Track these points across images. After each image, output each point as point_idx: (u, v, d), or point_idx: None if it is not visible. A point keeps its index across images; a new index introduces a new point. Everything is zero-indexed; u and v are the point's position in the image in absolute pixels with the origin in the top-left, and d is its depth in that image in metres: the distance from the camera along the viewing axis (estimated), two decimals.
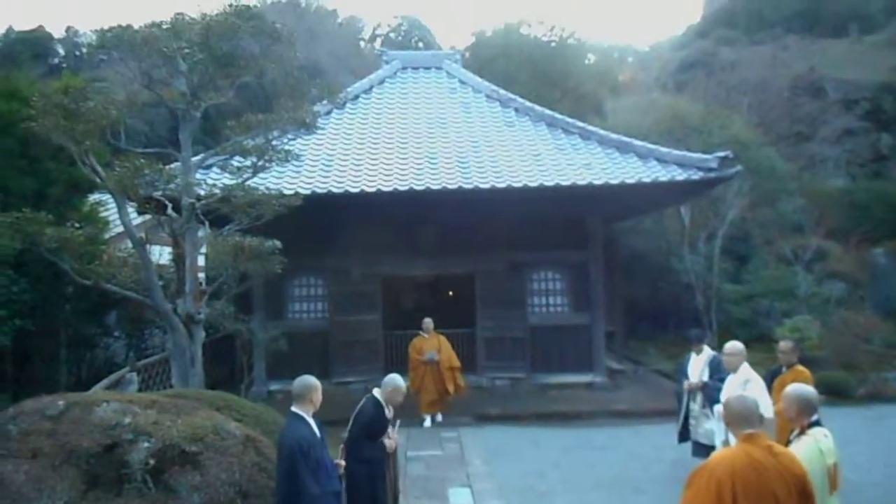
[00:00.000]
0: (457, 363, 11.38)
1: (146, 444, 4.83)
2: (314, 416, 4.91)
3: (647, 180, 12.00)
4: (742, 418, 3.83)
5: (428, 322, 11.48)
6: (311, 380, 4.97)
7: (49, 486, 4.20)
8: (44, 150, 11.05)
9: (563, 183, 11.83)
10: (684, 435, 8.17)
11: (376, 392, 6.02)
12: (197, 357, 8.65)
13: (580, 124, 14.41)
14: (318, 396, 4.94)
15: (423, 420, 11.12)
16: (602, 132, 14.09)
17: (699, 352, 8.15)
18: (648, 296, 18.39)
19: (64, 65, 31.20)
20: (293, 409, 4.86)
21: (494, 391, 12.99)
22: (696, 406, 7.87)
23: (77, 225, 10.22)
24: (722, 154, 12.39)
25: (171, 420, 5.21)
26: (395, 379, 6.07)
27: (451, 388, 11.24)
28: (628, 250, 17.82)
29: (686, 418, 8.08)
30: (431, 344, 11.32)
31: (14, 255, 9.94)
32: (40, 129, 8.14)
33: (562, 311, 13.68)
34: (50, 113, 8.09)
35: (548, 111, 14.96)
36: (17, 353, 11.18)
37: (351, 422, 5.82)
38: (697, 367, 8.02)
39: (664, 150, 13.10)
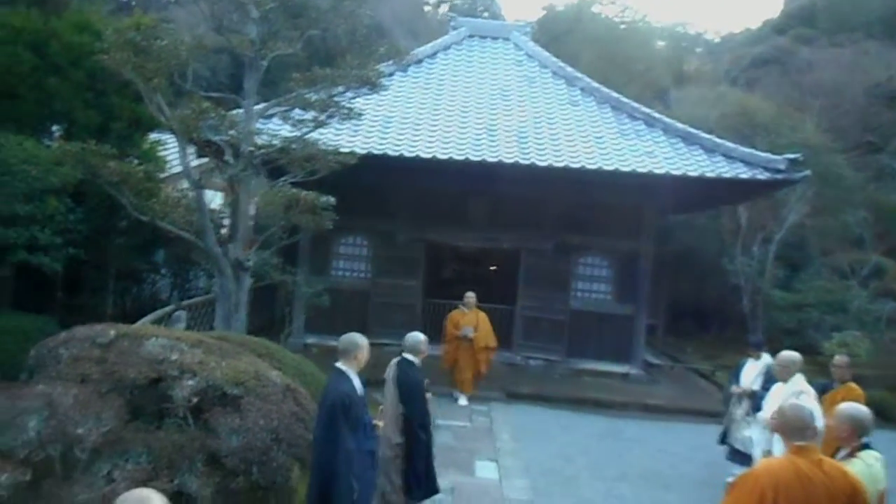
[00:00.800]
0: (493, 343, 10.87)
1: (190, 382, 4.89)
2: (358, 374, 4.92)
3: (710, 175, 11.65)
4: (796, 428, 3.67)
5: (470, 296, 10.95)
6: (359, 337, 4.98)
7: (95, 412, 4.29)
8: (110, 85, 11.21)
9: (623, 168, 11.55)
10: (725, 437, 7.99)
11: (408, 356, 6.01)
12: (242, 302, 8.77)
13: (646, 110, 14.03)
14: (363, 355, 4.94)
15: (457, 397, 10.78)
16: (668, 120, 13.69)
17: (756, 358, 7.93)
18: (694, 293, 18.00)
19: (133, 3, 31.62)
20: (338, 364, 4.87)
21: (528, 370, 12.92)
22: (739, 411, 7.68)
23: (137, 161, 10.39)
24: (791, 156, 11.95)
25: (216, 361, 5.27)
26: (418, 336, 6.13)
27: (483, 369, 10.83)
28: (679, 245, 17.41)
29: (729, 421, 7.91)
30: (469, 319, 10.79)
31: (74, 185, 10.18)
32: (110, 64, 8.20)
33: (605, 298, 13.49)
34: (122, 48, 8.15)
35: (614, 94, 14.58)
36: (67, 281, 11.51)
37: (398, 390, 5.79)
38: (751, 373, 7.81)
39: (731, 145, 12.67)
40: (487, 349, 10.80)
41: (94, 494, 3.86)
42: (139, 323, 8.65)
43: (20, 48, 10.66)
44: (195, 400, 4.89)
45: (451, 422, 9.72)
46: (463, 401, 10.74)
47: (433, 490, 5.96)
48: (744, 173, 11.85)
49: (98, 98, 11.30)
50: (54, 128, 11.75)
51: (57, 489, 3.94)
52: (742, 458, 7.42)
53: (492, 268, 17.38)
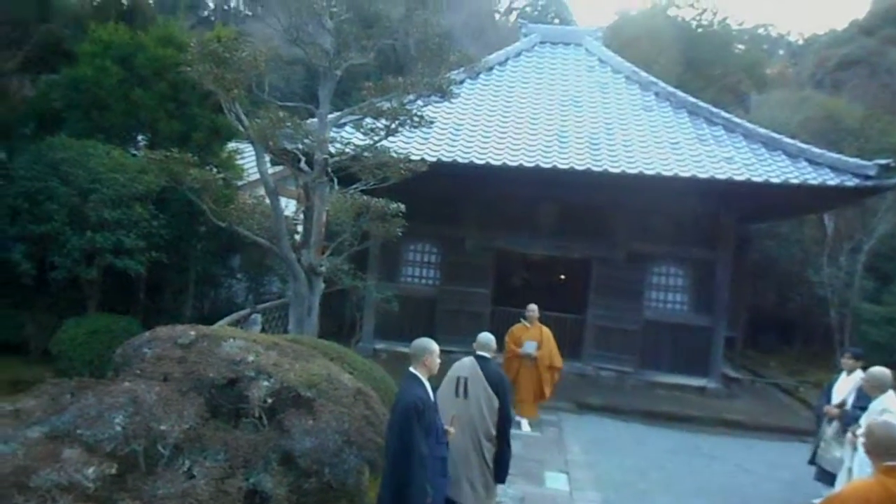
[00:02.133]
0: (558, 362, 9.83)
1: (266, 383, 4.97)
2: (429, 380, 4.90)
3: (794, 181, 11.14)
4: (885, 448, 3.44)
5: (533, 309, 9.93)
6: (429, 343, 4.96)
7: (177, 410, 4.39)
8: (191, 96, 11.69)
9: (701, 175, 11.19)
10: (815, 457, 7.58)
11: (483, 353, 6.14)
12: (314, 307, 8.91)
13: (725, 115, 13.57)
14: (431, 360, 4.91)
15: (518, 422, 9.52)
16: (749, 125, 13.20)
17: (851, 371, 7.49)
18: (776, 305, 17.27)
19: (212, 18, 32.95)
20: (410, 369, 4.87)
21: (599, 381, 12.64)
22: (830, 430, 7.27)
23: (216, 169, 10.76)
24: (882, 161, 11.30)
25: (290, 364, 5.34)
26: (489, 335, 6.28)
27: (547, 391, 9.75)
28: (760, 254, 16.74)
29: (820, 440, 7.50)
30: (532, 335, 9.77)
31: (157, 192, 10.62)
32: (193, 75, 8.50)
33: (680, 308, 13.08)
34: (203, 60, 8.44)
35: (690, 98, 14.19)
36: (150, 283, 12.02)
37: (489, 385, 5.91)
38: (845, 388, 7.39)
39: (816, 150, 12.09)
40: (552, 369, 9.76)
41: (175, 489, 3.95)
42: (217, 325, 8.91)
43: (108, 61, 11.24)
44: (270, 401, 4.96)
45: (519, 431, 9.59)
46: (525, 426, 9.72)
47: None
48: (831, 180, 11.30)
49: (180, 109, 11.78)
50: (139, 137, 12.31)
51: (140, 483, 4.05)
52: (831, 478, 7.02)
53: (561, 276, 17.14)
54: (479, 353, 6.17)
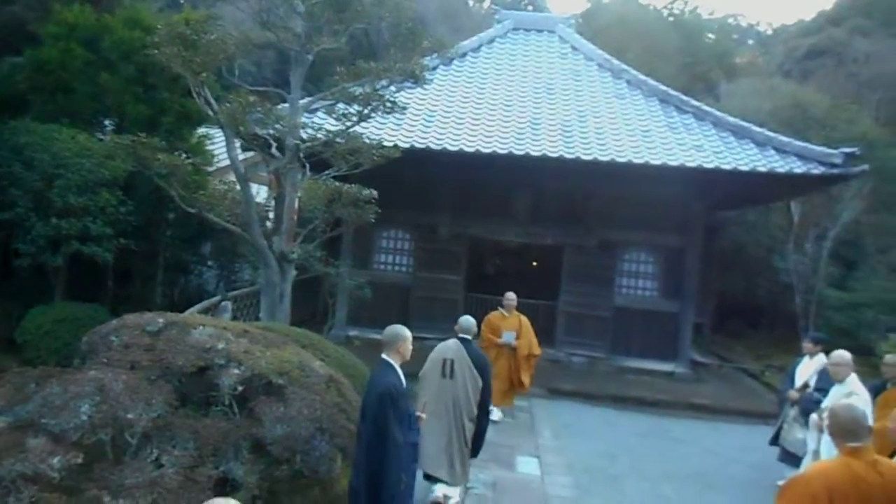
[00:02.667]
0: (537, 350, 9.54)
1: (236, 371, 4.93)
2: (401, 366, 4.90)
3: (762, 169, 11.31)
4: (848, 430, 3.53)
5: (511, 298, 9.62)
6: (402, 330, 4.96)
7: (144, 398, 4.35)
8: (159, 80, 11.46)
9: (671, 163, 11.31)
10: (776, 439, 7.76)
11: (465, 336, 6.55)
12: (286, 294, 8.85)
13: (695, 103, 13.71)
14: (405, 347, 4.92)
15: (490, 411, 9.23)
16: (718, 114, 13.35)
17: (812, 355, 7.66)
18: (743, 291, 17.56)
19: (182, 1, 32.29)
20: (383, 356, 4.86)
21: (570, 367, 12.79)
22: (793, 413, 7.44)
23: (185, 155, 10.59)
24: (848, 150, 11.52)
25: (261, 351, 5.31)
26: (471, 319, 6.71)
27: (526, 381, 9.43)
28: (727, 241, 17.01)
29: (782, 422, 7.67)
30: (511, 324, 9.46)
31: (125, 178, 10.43)
32: (161, 58, 8.33)
33: (650, 295, 13.26)
34: (171, 42, 8.28)
35: (661, 86, 14.29)
36: (118, 271, 11.81)
37: (475, 371, 6.32)
38: (806, 371, 7.57)
39: (784, 139, 12.28)
40: (531, 357, 9.47)
41: (143, 478, 3.92)
42: (187, 312, 8.80)
43: (74, 44, 10.96)
44: (240, 388, 4.93)
45: (491, 416, 9.65)
46: (496, 415, 9.10)
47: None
48: (797, 168, 11.49)
49: (148, 93, 11.54)
50: (106, 122, 12.05)
51: (107, 472, 4.01)
52: (794, 460, 7.20)
53: (533, 263, 17.24)
54: (462, 335, 6.55)
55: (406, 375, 4.99)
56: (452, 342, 6.53)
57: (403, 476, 4.61)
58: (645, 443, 9.24)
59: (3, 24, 10.86)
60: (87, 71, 11.07)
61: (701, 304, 14.45)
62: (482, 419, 6.42)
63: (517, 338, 9.37)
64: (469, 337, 6.58)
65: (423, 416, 5.23)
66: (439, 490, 6.27)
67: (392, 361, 4.82)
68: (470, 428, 6.29)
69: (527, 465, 7.94)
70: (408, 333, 4.96)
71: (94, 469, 4.06)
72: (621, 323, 13.07)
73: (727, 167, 11.35)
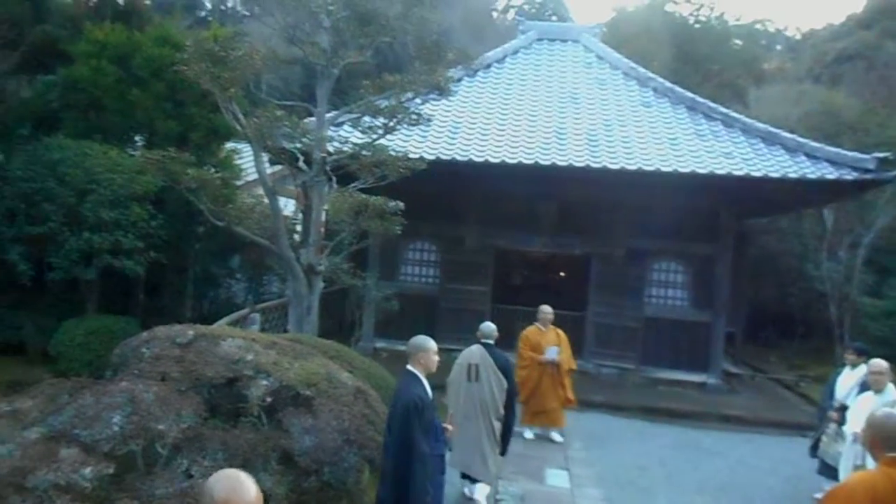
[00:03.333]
0: (574, 364, 9.31)
1: (264, 382, 4.96)
2: (427, 378, 4.86)
3: (793, 176, 11.11)
4: (889, 438, 3.40)
5: (547, 311, 9.20)
6: (425, 341, 4.89)
7: (175, 409, 4.38)
8: (189, 96, 11.67)
9: (700, 171, 11.18)
10: (815, 450, 7.56)
11: (488, 341, 6.92)
12: (313, 306, 8.90)
13: (723, 110, 13.53)
14: (427, 358, 4.81)
15: (522, 431, 8.93)
16: (747, 120, 13.17)
17: (854, 366, 7.45)
18: (775, 300, 17.22)
19: (210, 18, 32.92)
20: (408, 367, 4.82)
21: (600, 378, 12.62)
22: (833, 425, 7.24)
23: (214, 169, 10.73)
24: (881, 155, 11.27)
25: (289, 362, 5.33)
26: (492, 325, 7.10)
27: (571, 395, 9.18)
28: (759, 249, 16.71)
29: (821, 434, 7.47)
30: (550, 339, 9.04)
31: (155, 192, 10.60)
32: (189, 74, 8.48)
33: (681, 305, 13.05)
34: (200, 59, 8.42)
35: (688, 94, 14.15)
36: (148, 284, 12.01)
37: (500, 374, 6.71)
38: (848, 383, 7.34)
39: (815, 144, 12.07)
40: (570, 373, 9.27)
41: (174, 489, 3.94)
42: (217, 324, 8.89)
43: (105, 61, 11.21)
44: (269, 400, 4.95)
45: (520, 428, 9.56)
46: (558, 437, 9.15)
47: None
48: (829, 174, 11.27)
49: (177, 109, 11.75)
50: (137, 138, 12.28)
51: (139, 483, 4.04)
52: (834, 473, 6.99)
53: (560, 274, 17.11)
54: (484, 340, 6.95)
55: (434, 387, 4.96)
56: (476, 347, 6.93)
57: (430, 487, 4.56)
58: (677, 455, 9.07)
59: (36, 44, 11.14)
60: (118, 88, 11.31)
61: (732, 314, 14.21)
62: (509, 418, 6.82)
63: (559, 353, 9.05)
64: (491, 342, 6.93)
65: (451, 427, 5.20)
66: (477, 494, 6.75)
67: (417, 372, 4.77)
68: (498, 427, 6.70)
69: (556, 478, 7.83)
70: (431, 345, 4.87)
71: (126, 479, 4.09)
72: (651, 333, 12.89)
73: (757, 174, 11.17)
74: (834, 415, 7.24)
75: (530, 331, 9.26)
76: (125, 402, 4.36)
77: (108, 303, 11.10)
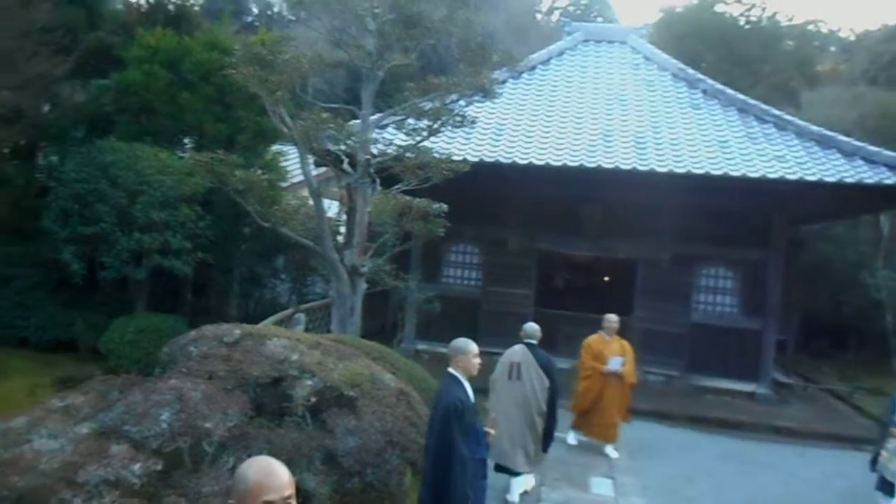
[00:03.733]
0: (634, 378, 8.91)
1: (309, 383, 4.97)
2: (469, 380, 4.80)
3: (850, 180, 10.72)
4: None
5: (612, 320, 8.80)
6: (465, 344, 4.80)
7: (221, 407, 4.42)
8: (237, 99, 11.85)
9: (751, 174, 10.86)
10: (874, 464, 7.25)
11: (532, 341, 7.03)
12: (356, 307, 8.93)
13: (776, 112, 13.13)
14: (466, 361, 4.73)
15: (566, 436, 8.90)
16: (801, 123, 12.76)
17: None
18: (829, 309, 16.63)
19: (256, 23, 33.49)
20: (449, 369, 4.77)
21: (646, 386, 12.28)
22: (893, 441, 6.93)
23: (260, 171, 10.87)
24: None
25: (333, 363, 5.33)
26: (535, 325, 7.19)
27: (628, 410, 8.91)
28: (812, 256, 16.19)
29: (880, 449, 7.16)
30: (614, 349, 8.66)
31: (203, 193, 10.79)
32: (238, 77, 8.61)
33: (730, 311, 12.70)
34: (248, 62, 8.56)
35: (740, 95, 13.78)
36: (196, 284, 12.22)
37: (541, 367, 6.88)
38: None
39: (872, 148, 11.62)
40: (631, 386, 8.87)
41: (220, 487, 3.96)
42: (263, 323, 8.98)
43: (156, 66, 11.46)
44: (313, 400, 4.95)
45: (562, 434, 9.43)
46: (613, 452, 8.70)
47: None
48: (888, 178, 10.85)
49: (226, 111, 11.95)
50: (186, 140, 12.53)
51: (185, 480, 4.07)
52: (891, 489, 6.71)
53: (605, 278, 16.86)
54: (527, 340, 7.06)
55: (476, 390, 4.89)
56: (519, 347, 7.07)
57: (469, 491, 4.49)
58: (725, 466, 8.82)
59: (90, 49, 11.43)
60: (168, 91, 11.55)
61: (784, 322, 13.79)
62: (551, 416, 6.97)
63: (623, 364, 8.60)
64: (534, 342, 7.06)
65: (492, 431, 5.12)
66: (516, 487, 6.89)
67: (458, 375, 4.71)
68: (540, 423, 6.86)
69: (600, 486, 7.68)
70: (471, 347, 4.79)
71: (173, 476, 4.13)
72: (698, 340, 12.57)
73: (812, 178, 10.81)
74: (895, 430, 6.94)
75: (593, 339, 8.87)
76: (173, 399, 4.41)
77: (156, 302, 11.33)
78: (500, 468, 6.74)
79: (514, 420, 6.73)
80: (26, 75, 10.00)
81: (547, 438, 7.02)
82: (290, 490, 2.16)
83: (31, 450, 3.84)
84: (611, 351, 8.63)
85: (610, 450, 8.71)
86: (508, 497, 6.87)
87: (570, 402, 8.92)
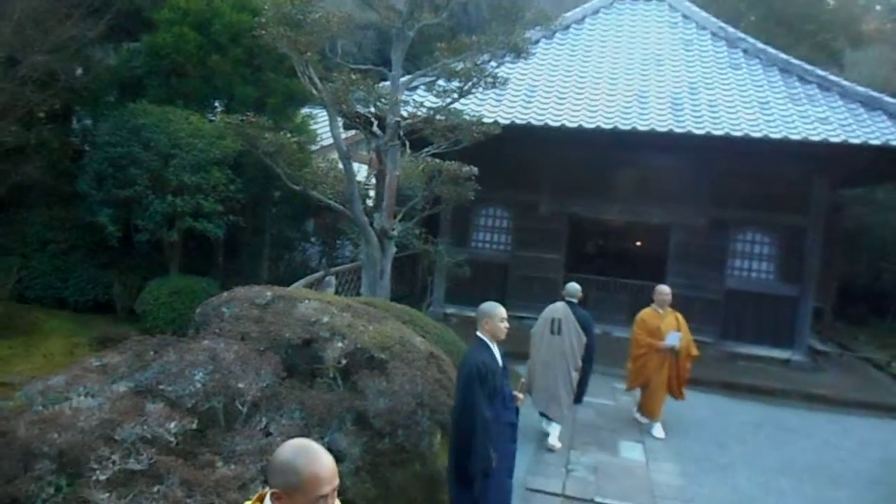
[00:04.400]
0: (695, 351, 8.48)
1: (340, 344, 4.98)
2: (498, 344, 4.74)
3: None
4: None
5: (664, 292, 8.31)
6: (492, 308, 4.70)
7: (254, 368, 4.45)
8: (266, 61, 11.78)
9: (793, 137, 10.51)
10: None
11: (572, 300, 7.51)
12: (386, 270, 8.93)
13: (820, 72, 12.63)
14: (492, 324, 4.64)
15: (651, 426, 8.27)
16: (846, 83, 12.26)
17: None
18: (868, 276, 16.27)
19: None
20: (477, 333, 4.72)
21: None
22: None
23: (290, 133, 10.83)
24: None
25: (364, 326, 5.34)
26: (577, 285, 7.68)
27: (683, 389, 8.48)
28: (852, 221, 15.75)
29: None
30: (670, 323, 8.14)
31: (234, 157, 10.81)
32: (268, 38, 8.52)
33: (766, 277, 12.44)
34: (277, 23, 8.44)
35: (782, 55, 13.28)
36: (227, 246, 12.33)
37: (584, 335, 7.40)
38: None
39: None
40: (688, 358, 8.38)
41: (254, 445, 4.01)
42: (293, 286, 9.04)
43: (186, 28, 11.40)
44: (344, 361, 4.97)
45: (593, 399, 9.40)
46: (659, 432, 8.18)
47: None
48: None
49: (255, 74, 11.88)
50: (216, 103, 12.52)
51: (220, 438, 4.13)
52: None
53: (637, 243, 16.65)
54: (568, 298, 7.54)
55: (505, 354, 4.84)
56: (560, 304, 7.54)
57: (494, 453, 4.46)
58: (758, 433, 8.72)
59: (121, 12, 11.40)
60: (198, 54, 11.50)
61: (821, 289, 13.47)
62: (586, 370, 7.52)
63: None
64: (574, 300, 7.53)
65: (521, 395, 5.07)
66: (552, 433, 7.44)
67: (486, 338, 4.66)
68: (574, 377, 7.38)
69: (631, 451, 7.66)
70: (498, 311, 4.69)
71: (207, 435, 4.19)
72: (733, 306, 12.36)
73: (856, 141, 10.43)
74: None
75: (647, 313, 8.33)
76: (207, 360, 4.46)
77: (189, 264, 11.47)
78: (542, 413, 7.46)
79: (552, 371, 7.28)
80: (59, 38, 10.03)
81: (581, 390, 7.53)
82: (337, 479, 2.07)
83: (69, 407, 3.91)
84: (667, 326, 8.10)
85: (657, 429, 8.19)
86: (550, 440, 7.40)
87: (625, 383, 8.75)
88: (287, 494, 2.01)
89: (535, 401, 7.36)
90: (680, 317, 8.32)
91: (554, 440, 7.38)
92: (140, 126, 10.48)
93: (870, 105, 11.57)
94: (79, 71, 12.01)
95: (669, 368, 8.20)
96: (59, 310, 10.97)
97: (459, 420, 4.48)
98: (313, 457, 2.03)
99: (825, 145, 10.56)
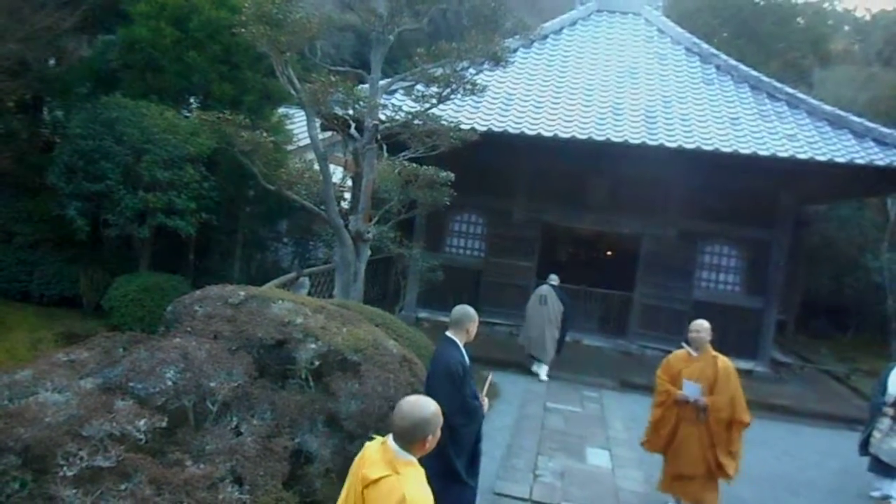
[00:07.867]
0: (745, 416, 6.04)
1: (313, 346, 4.98)
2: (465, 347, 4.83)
3: (860, 161, 10.63)
4: None
5: (704, 329, 6.16)
6: (471, 311, 4.83)
7: (226, 367, 4.43)
8: (244, 59, 11.68)
9: (762, 153, 10.77)
10: (865, 448, 7.31)
11: (553, 283, 11.20)
12: (360, 273, 8.93)
13: (789, 90, 12.97)
14: (474, 328, 4.80)
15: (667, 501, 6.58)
16: (813, 102, 12.61)
17: None
18: (830, 290, 16.67)
19: None
20: (448, 333, 4.76)
21: (643, 360, 12.41)
22: (886, 420, 6.98)
23: (266, 133, 10.75)
24: None
25: (337, 327, 5.34)
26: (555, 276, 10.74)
27: (728, 463, 6.07)
28: (816, 237, 16.16)
29: (871, 431, 7.21)
30: (696, 370, 6.07)
31: (208, 154, 10.70)
32: (247, 36, 8.45)
33: (732, 290, 12.72)
34: (257, 21, 8.39)
35: (753, 72, 13.60)
36: (199, 245, 12.18)
37: (559, 300, 10.97)
38: None
39: (885, 130, 11.50)
40: (734, 425, 6.06)
41: (223, 445, 3.99)
42: (264, 287, 8.98)
43: (163, 23, 11.25)
44: (317, 363, 4.97)
45: (561, 405, 9.51)
46: None
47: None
48: None
49: (232, 72, 11.77)
50: (192, 99, 12.38)
51: (189, 437, 4.10)
52: (887, 469, 6.77)
53: (608, 252, 16.86)
54: (551, 282, 11.09)
55: (472, 358, 4.89)
56: (545, 286, 11.09)
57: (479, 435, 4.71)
58: None
59: (97, 3, 11.23)
60: (175, 49, 11.36)
61: (784, 302, 13.80)
62: (563, 330, 10.94)
63: (709, 392, 5.96)
64: (555, 283, 11.12)
65: (486, 400, 5.11)
66: (542, 371, 10.95)
67: (456, 339, 4.72)
68: (556, 334, 10.86)
69: (597, 457, 7.77)
70: (475, 315, 4.81)
71: (177, 434, 4.16)
72: (699, 317, 12.43)
73: (822, 158, 10.73)
74: (890, 410, 6.99)
75: (675, 354, 6.41)
76: (178, 357, 4.43)
77: (160, 261, 11.32)
78: (532, 357, 11.01)
79: (542, 329, 10.74)
80: (32, 27, 9.85)
81: (559, 345, 10.93)
82: None
83: (36, 402, 3.86)
84: (690, 373, 6.07)
85: None
86: (541, 375, 10.84)
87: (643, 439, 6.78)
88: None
89: (529, 348, 10.97)
90: (722, 363, 6.05)
91: (543, 375, 10.84)
92: (113, 119, 10.31)
93: (836, 123, 11.90)
94: (52, 61, 11.80)
95: (696, 429, 6.08)
96: (23, 303, 10.75)
97: (449, 410, 4.51)
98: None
99: (792, 161, 10.83)
